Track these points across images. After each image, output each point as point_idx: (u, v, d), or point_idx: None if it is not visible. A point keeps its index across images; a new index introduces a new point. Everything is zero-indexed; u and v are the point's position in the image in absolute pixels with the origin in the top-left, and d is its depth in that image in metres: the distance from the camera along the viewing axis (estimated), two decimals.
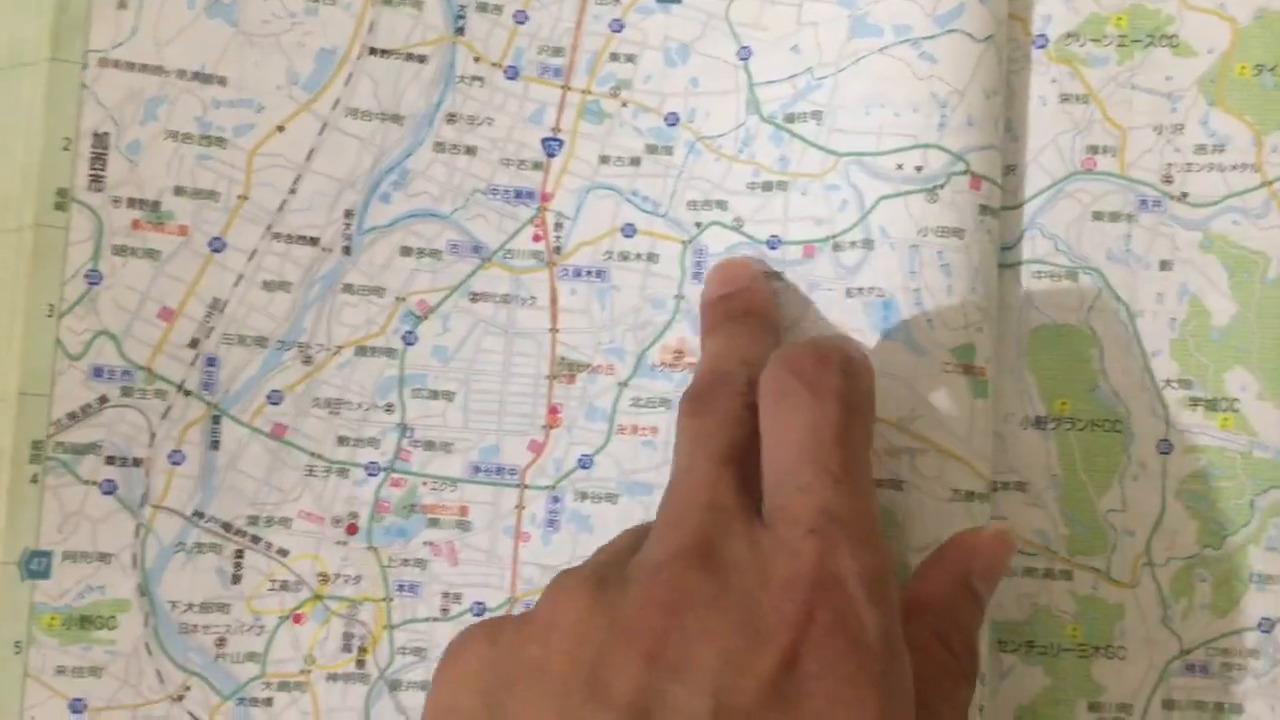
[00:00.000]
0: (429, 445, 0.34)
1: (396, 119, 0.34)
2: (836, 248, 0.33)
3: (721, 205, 0.34)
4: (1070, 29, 0.34)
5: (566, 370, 0.35)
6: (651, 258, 0.35)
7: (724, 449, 0.27)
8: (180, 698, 0.32)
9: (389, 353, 0.34)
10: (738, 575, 0.25)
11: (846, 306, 0.32)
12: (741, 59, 0.35)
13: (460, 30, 0.35)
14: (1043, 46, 0.34)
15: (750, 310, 0.32)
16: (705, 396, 0.29)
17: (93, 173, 0.32)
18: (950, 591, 0.29)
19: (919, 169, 0.32)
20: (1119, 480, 0.33)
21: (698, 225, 0.35)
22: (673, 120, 0.35)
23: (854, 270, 0.33)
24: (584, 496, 0.34)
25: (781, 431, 0.27)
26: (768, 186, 0.34)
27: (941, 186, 0.32)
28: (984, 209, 0.32)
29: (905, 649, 0.25)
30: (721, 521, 0.26)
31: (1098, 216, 0.33)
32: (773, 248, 0.34)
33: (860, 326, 0.32)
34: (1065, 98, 0.34)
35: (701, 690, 0.23)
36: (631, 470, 0.34)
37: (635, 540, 0.27)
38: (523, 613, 0.27)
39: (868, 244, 0.32)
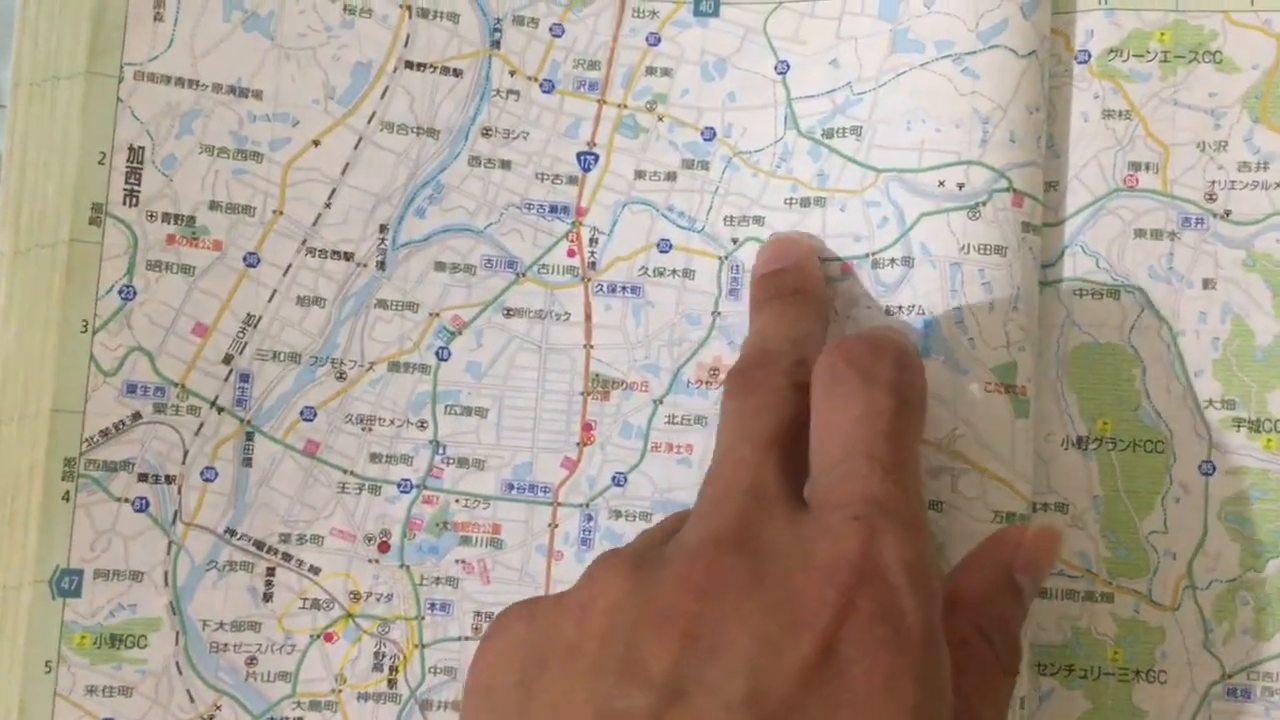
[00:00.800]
0: (462, 462, 0.34)
1: (432, 133, 0.34)
2: (875, 265, 0.33)
3: (758, 221, 0.34)
4: (1113, 44, 0.33)
5: (601, 387, 0.34)
6: (687, 274, 0.34)
7: (769, 431, 0.27)
8: (211, 717, 0.32)
9: (422, 369, 0.34)
10: (777, 559, 0.24)
11: (885, 325, 0.32)
12: (779, 73, 0.34)
13: (496, 43, 0.34)
14: (1085, 62, 0.34)
15: (800, 288, 0.32)
16: (750, 375, 0.28)
17: (127, 187, 0.32)
18: (992, 586, 0.29)
19: (961, 186, 0.32)
20: (1161, 502, 0.32)
21: (734, 241, 0.34)
22: (709, 135, 0.35)
23: (893, 288, 0.32)
24: (618, 515, 0.34)
25: (831, 418, 0.27)
26: (805, 202, 0.34)
27: (984, 204, 0.32)
28: (1026, 226, 0.32)
29: (944, 641, 0.25)
30: (763, 506, 0.25)
31: (1140, 234, 0.33)
32: None
33: None
34: (1108, 114, 0.33)
35: (737, 672, 0.23)
36: (666, 488, 0.34)
37: (678, 523, 0.27)
38: (561, 592, 0.27)
39: (908, 261, 0.32)
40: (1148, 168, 0.33)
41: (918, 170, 0.32)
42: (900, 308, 0.32)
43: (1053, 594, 0.32)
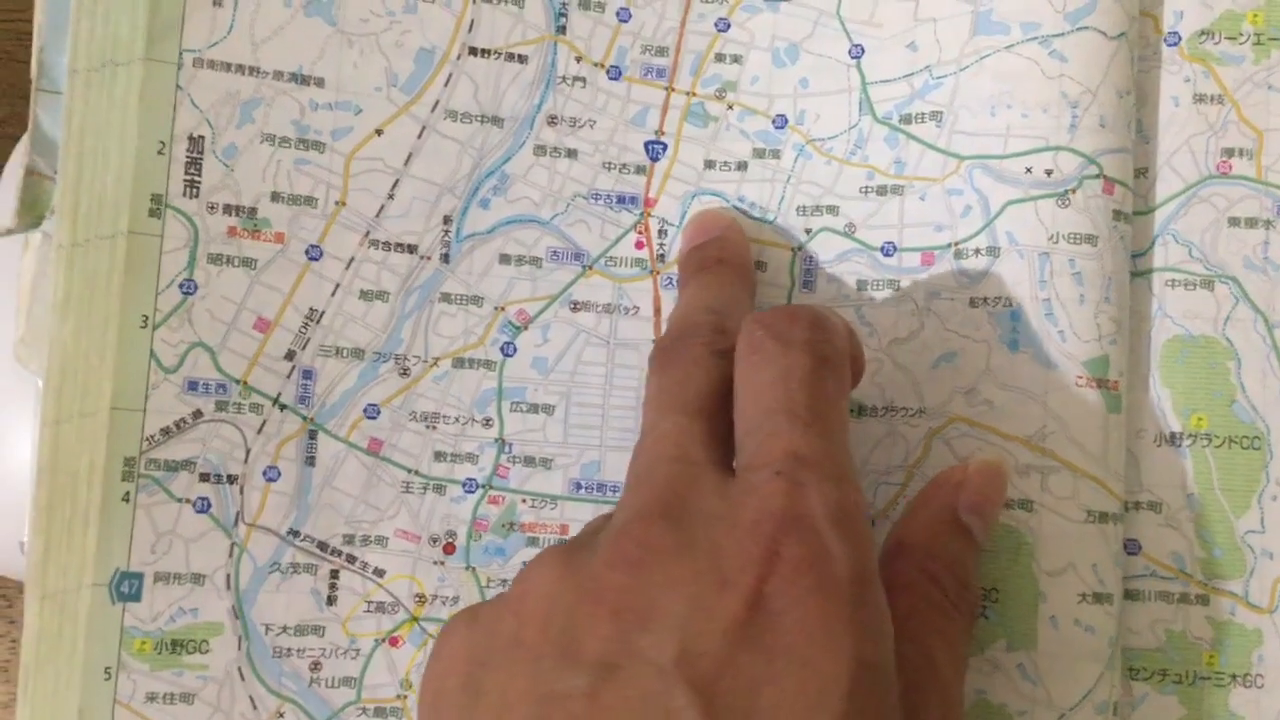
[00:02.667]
0: (528, 461, 0.33)
1: (496, 121, 0.33)
2: (959, 255, 0.31)
3: (832, 210, 0.33)
4: (1204, 26, 0.32)
5: None
6: (760, 265, 0.33)
7: (691, 401, 0.27)
8: None
9: (487, 364, 0.33)
10: (704, 524, 0.24)
11: (969, 317, 0.31)
12: (854, 58, 0.33)
13: (562, 29, 0.33)
14: (1175, 44, 0.32)
15: (722, 258, 0.32)
16: (671, 349, 0.28)
17: (188, 178, 0.31)
18: (934, 527, 0.28)
19: (1049, 172, 0.31)
20: (1258, 500, 0.31)
21: (807, 232, 0.33)
22: (781, 123, 0.34)
23: (978, 279, 0.31)
24: None
25: (751, 383, 0.26)
26: (882, 191, 0.33)
27: (1073, 191, 0.30)
28: (1117, 214, 0.31)
29: (879, 584, 0.24)
30: (689, 474, 0.25)
31: (1234, 222, 0.32)
32: (887, 254, 0.32)
33: (985, 338, 0.31)
34: (1199, 98, 0.32)
35: (668, 638, 0.23)
36: None
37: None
38: (500, 593, 0.27)
39: (993, 251, 0.31)
40: (1241, 154, 0.32)
41: (1003, 156, 0.31)
42: (985, 299, 0.31)
43: (1145, 596, 0.31)
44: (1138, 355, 0.32)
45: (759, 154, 0.34)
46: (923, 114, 0.32)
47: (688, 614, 0.23)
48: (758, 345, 0.27)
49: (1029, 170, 0.31)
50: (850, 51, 0.33)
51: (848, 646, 0.23)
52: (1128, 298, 0.31)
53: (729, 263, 0.32)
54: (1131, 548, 0.31)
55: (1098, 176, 0.30)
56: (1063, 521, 0.30)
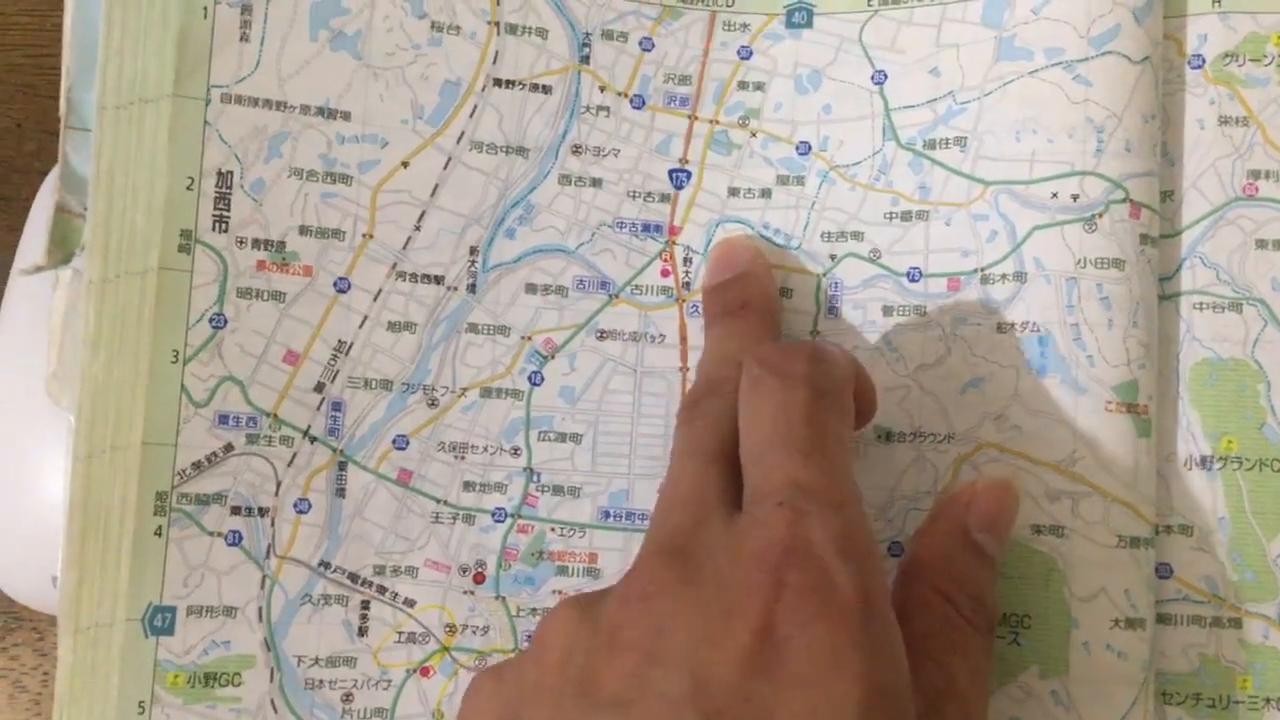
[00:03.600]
0: (557, 490, 0.33)
1: (521, 151, 0.33)
2: (985, 280, 0.31)
3: (857, 236, 0.33)
4: (1228, 49, 0.32)
5: None
6: (784, 292, 0.33)
7: (713, 448, 0.27)
8: None
9: (515, 394, 0.33)
10: (711, 560, 0.24)
11: (997, 342, 0.31)
12: (876, 84, 0.33)
13: (585, 59, 0.34)
14: (1199, 67, 0.32)
15: (746, 301, 0.32)
16: (698, 405, 0.29)
17: (216, 213, 0.31)
18: (946, 546, 0.29)
19: (1075, 197, 0.31)
20: None
21: (832, 258, 0.33)
22: (804, 149, 0.34)
23: (1005, 304, 0.31)
24: None
25: (752, 419, 0.27)
26: (907, 216, 0.33)
27: (1100, 215, 0.30)
28: (1144, 238, 0.31)
29: (888, 606, 0.24)
30: (701, 513, 0.26)
31: (1261, 245, 0.32)
32: (913, 280, 0.32)
33: (1014, 364, 0.31)
34: (1224, 120, 0.32)
35: (679, 671, 0.23)
36: None
37: None
38: (522, 649, 0.28)
39: (1020, 276, 0.31)
40: (1268, 175, 0.32)
41: (1029, 182, 0.31)
42: (1013, 325, 0.31)
43: (1178, 620, 0.31)
44: (1166, 379, 0.32)
45: (783, 180, 0.34)
46: (947, 139, 0.32)
47: (697, 646, 0.23)
48: (758, 382, 0.27)
49: (1055, 195, 0.31)
50: (873, 78, 0.33)
51: (857, 669, 0.23)
52: (1155, 321, 0.31)
53: (752, 305, 0.32)
54: (1163, 572, 0.31)
55: (1124, 201, 0.30)
56: (1094, 547, 0.30)
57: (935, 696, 0.26)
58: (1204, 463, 0.31)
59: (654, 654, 0.23)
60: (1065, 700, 0.29)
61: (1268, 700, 0.31)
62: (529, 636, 0.32)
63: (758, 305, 0.32)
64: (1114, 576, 0.30)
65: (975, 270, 0.32)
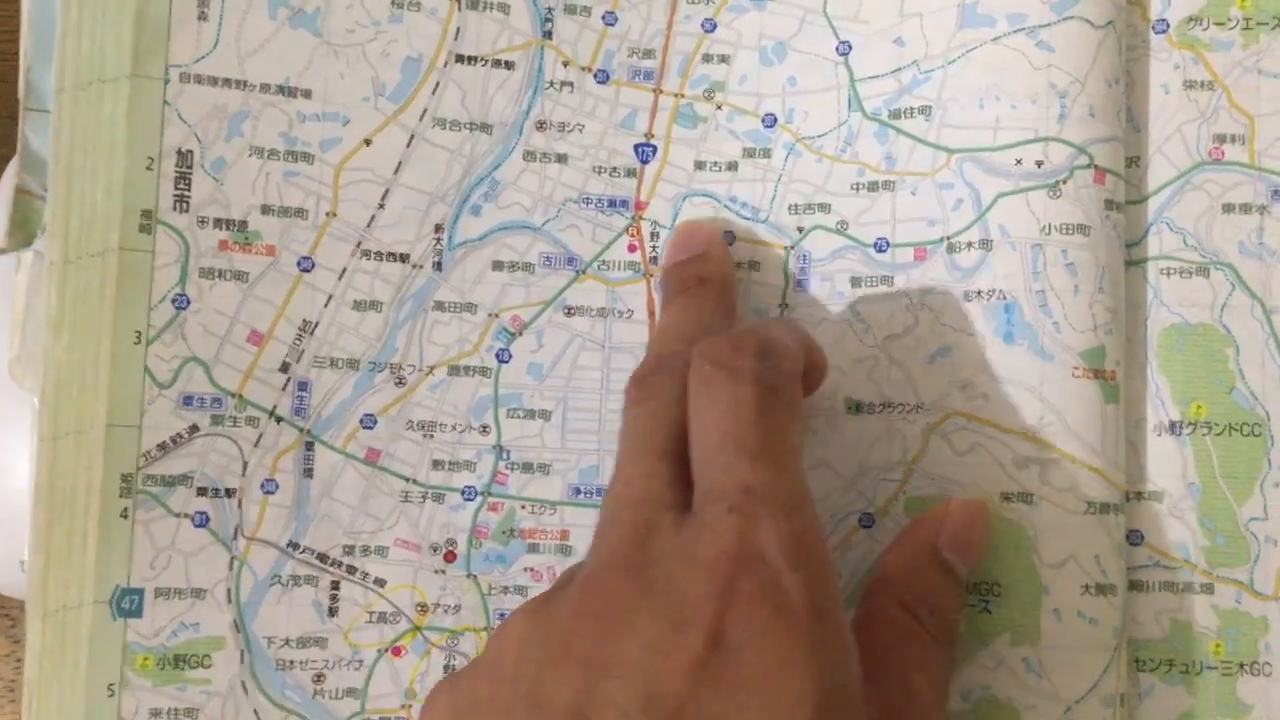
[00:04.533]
0: (526, 467, 0.33)
1: (485, 128, 0.33)
2: (951, 249, 0.31)
3: (824, 208, 0.33)
4: (1192, 12, 0.32)
5: None
6: (753, 265, 0.33)
7: (660, 442, 0.27)
8: None
9: (483, 372, 0.33)
10: (662, 567, 0.24)
11: (964, 310, 0.31)
12: (841, 54, 0.33)
13: (548, 34, 0.33)
14: (1163, 32, 0.32)
15: (703, 277, 0.31)
16: (645, 383, 0.28)
17: (177, 193, 0.31)
18: (916, 562, 0.29)
19: (1039, 164, 0.30)
20: (1260, 487, 0.31)
21: (800, 230, 0.33)
22: (770, 121, 0.33)
23: (971, 272, 0.31)
24: None
25: (701, 418, 0.26)
26: (873, 187, 0.32)
27: (1064, 181, 0.30)
28: (1109, 204, 0.31)
29: (840, 611, 0.24)
30: (652, 517, 0.25)
31: (1228, 209, 0.32)
32: (880, 250, 0.32)
33: (981, 331, 0.31)
34: (1189, 85, 0.32)
35: (632, 682, 0.23)
36: None
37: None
38: (476, 657, 0.27)
39: (986, 244, 0.31)
40: (1233, 139, 0.32)
41: (993, 149, 0.31)
42: (980, 292, 0.31)
43: (1150, 586, 0.31)
44: (1135, 345, 0.31)
45: (749, 153, 0.34)
46: (912, 109, 0.32)
47: (649, 657, 0.23)
48: (706, 379, 0.27)
49: (1019, 162, 0.31)
50: (838, 48, 0.33)
51: (809, 673, 0.23)
52: (1122, 287, 0.31)
53: (710, 282, 0.31)
54: (1134, 538, 0.31)
55: (1089, 166, 0.30)
56: (1062, 513, 0.30)
57: (895, 707, 0.26)
58: (1173, 428, 0.31)
59: (606, 665, 0.23)
60: (1037, 667, 0.29)
61: (1241, 665, 0.31)
62: (501, 615, 0.32)
63: (715, 282, 0.31)
64: (1083, 542, 0.30)
65: (941, 239, 0.31)
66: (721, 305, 0.31)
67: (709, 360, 0.27)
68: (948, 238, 0.31)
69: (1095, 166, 0.30)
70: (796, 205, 0.33)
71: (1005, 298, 0.30)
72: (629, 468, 0.27)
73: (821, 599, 0.24)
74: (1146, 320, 0.32)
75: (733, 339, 0.27)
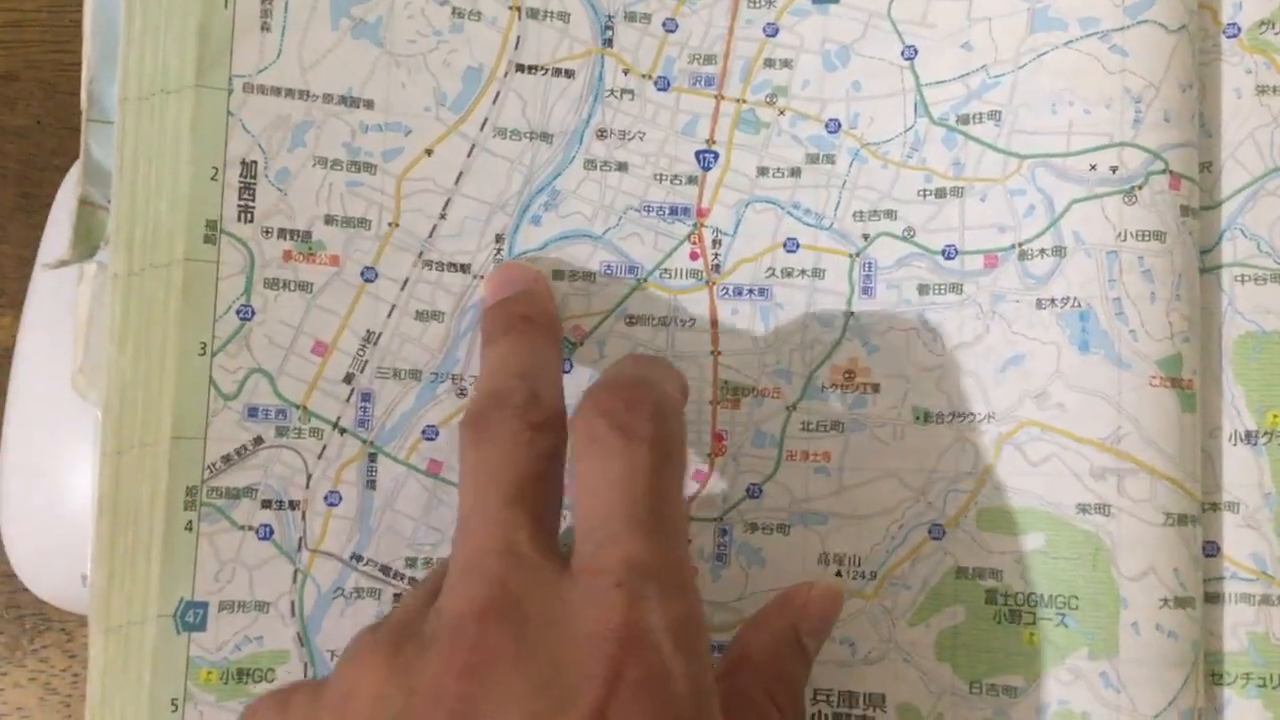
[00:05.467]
0: None
1: (545, 137, 0.33)
2: (1023, 256, 0.31)
3: (890, 215, 0.32)
4: (1264, 16, 0.32)
5: (730, 394, 0.33)
6: (817, 273, 0.33)
7: (513, 485, 0.26)
8: None
9: None
10: (541, 631, 0.23)
11: (1037, 319, 0.30)
12: (907, 59, 0.33)
13: (608, 42, 0.33)
14: (1234, 36, 0.32)
15: (528, 315, 0.30)
16: (484, 422, 0.27)
17: (242, 203, 0.30)
18: (779, 648, 0.29)
19: (1114, 169, 0.30)
20: None
21: (865, 237, 0.33)
22: (834, 127, 0.33)
23: (1044, 280, 0.30)
24: (754, 528, 0.32)
25: (591, 479, 0.26)
26: (941, 193, 0.32)
27: (1140, 187, 0.30)
28: (1185, 210, 0.30)
29: (716, 698, 0.24)
30: (520, 571, 0.24)
31: None
32: (949, 257, 0.32)
33: (1054, 339, 0.30)
34: (1261, 89, 0.31)
35: None
36: (803, 499, 0.32)
37: (432, 591, 0.26)
38: (316, 681, 0.26)
39: (1059, 251, 0.30)
40: None
41: (1066, 155, 0.30)
42: (1053, 300, 0.30)
43: (1226, 599, 0.30)
44: (1209, 353, 0.31)
45: (812, 159, 0.33)
46: (980, 114, 0.32)
47: None
48: (596, 438, 0.26)
49: (1093, 167, 0.30)
50: (903, 53, 0.33)
51: None
52: (1198, 294, 0.30)
53: (536, 320, 0.30)
54: (1210, 549, 0.31)
55: (1164, 172, 0.30)
56: (1141, 525, 0.29)
57: None
58: (1249, 437, 0.31)
59: None
60: (1115, 682, 0.29)
61: None
62: None
63: (541, 320, 0.30)
64: (1162, 555, 0.29)
65: (1013, 246, 0.31)
66: (551, 343, 0.30)
67: (600, 414, 0.26)
68: (1019, 244, 0.31)
69: (1170, 172, 0.30)
70: (861, 212, 0.33)
71: (1080, 305, 0.30)
72: (483, 509, 0.25)
73: (703, 687, 0.24)
74: (1221, 328, 0.31)
75: (626, 394, 0.26)
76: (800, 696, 0.29)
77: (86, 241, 0.30)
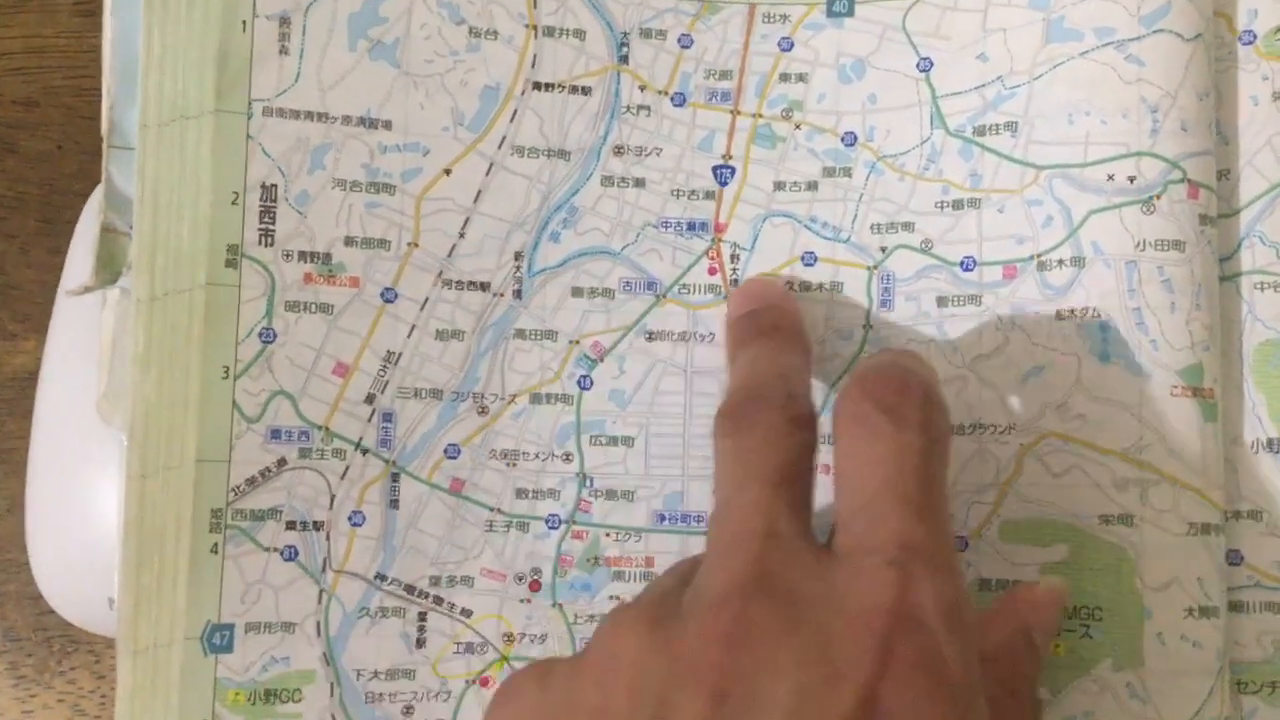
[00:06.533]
0: (610, 494, 0.32)
1: (563, 154, 0.33)
2: (1042, 267, 0.31)
3: (908, 227, 0.33)
4: (1279, 23, 0.32)
5: None
6: (835, 287, 0.33)
7: (773, 470, 0.26)
8: None
9: (564, 399, 0.33)
10: (809, 607, 0.23)
11: (1056, 330, 0.30)
12: (922, 71, 0.33)
13: (624, 59, 0.33)
14: (1250, 43, 0.32)
15: (779, 325, 0.30)
16: (744, 413, 0.27)
17: (262, 227, 0.31)
18: (1014, 644, 0.28)
19: (1132, 179, 0.30)
20: None
21: (883, 250, 0.33)
22: (850, 140, 0.33)
23: (1064, 291, 0.30)
24: None
25: (858, 459, 0.25)
26: (958, 205, 0.32)
27: (1158, 197, 0.30)
28: (1203, 218, 0.30)
29: (982, 684, 0.23)
30: (783, 550, 0.24)
31: None
32: (967, 269, 0.32)
33: (1074, 350, 0.30)
34: (1278, 96, 0.31)
35: None
36: (823, 512, 0.32)
37: (686, 575, 0.26)
38: (574, 655, 0.25)
39: (1078, 262, 0.30)
40: None
41: (1084, 165, 0.30)
42: (1073, 311, 0.30)
43: (1251, 608, 0.30)
44: (1230, 361, 0.31)
45: (829, 173, 0.33)
46: (997, 125, 0.32)
47: (796, 705, 0.22)
48: (864, 420, 0.26)
49: (1111, 177, 0.30)
50: (918, 65, 0.33)
51: None
52: (1218, 303, 0.30)
53: (785, 330, 0.30)
54: (1234, 558, 0.31)
55: (1182, 181, 0.30)
56: (1165, 535, 0.29)
57: None
58: (1271, 445, 0.31)
59: (749, 702, 0.22)
60: (1140, 693, 0.29)
61: None
62: (592, 618, 0.32)
63: (790, 330, 0.30)
64: (1186, 564, 0.29)
65: (1031, 257, 0.31)
66: (800, 349, 0.30)
67: (869, 398, 0.26)
68: (1038, 255, 0.31)
69: (1189, 181, 0.30)
70: (879, 225, 0.33)
71: (1100, 316, 0.30)
72: (743, 494, 0.25)
73: (973, 673, 0.23)
74: (1241, 336, 0.31)
75: (896, 379, 0.26)
76: (1036, 692, 0.28)
77: (109, 268, 0.31)
